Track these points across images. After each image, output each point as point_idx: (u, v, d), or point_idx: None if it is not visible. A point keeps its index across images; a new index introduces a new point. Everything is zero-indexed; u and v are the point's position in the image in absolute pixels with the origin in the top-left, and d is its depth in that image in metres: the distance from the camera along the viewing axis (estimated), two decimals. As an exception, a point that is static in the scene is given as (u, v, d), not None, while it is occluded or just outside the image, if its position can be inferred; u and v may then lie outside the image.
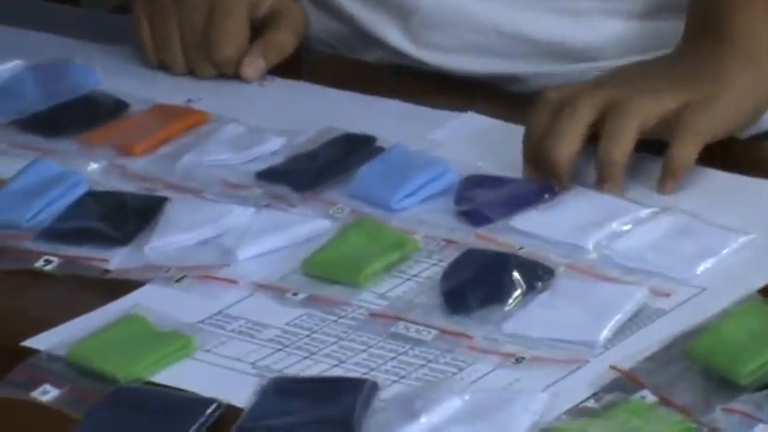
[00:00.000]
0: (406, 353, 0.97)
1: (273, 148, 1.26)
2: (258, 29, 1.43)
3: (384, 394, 0.90)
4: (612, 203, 1.15)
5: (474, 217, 1.13)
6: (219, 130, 1.30)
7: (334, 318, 1.02)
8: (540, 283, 1.02)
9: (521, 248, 1.10)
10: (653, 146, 1.41)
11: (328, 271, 1.08)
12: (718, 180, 1.21)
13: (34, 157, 1.28)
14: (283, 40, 1.44)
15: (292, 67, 1.42)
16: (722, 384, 0.90)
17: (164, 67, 1.44)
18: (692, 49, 1.33)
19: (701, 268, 1.02)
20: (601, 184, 1.22)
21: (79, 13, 1.70)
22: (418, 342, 0.98)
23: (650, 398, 0.90)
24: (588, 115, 1.23)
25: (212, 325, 1.01)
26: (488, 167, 1.24)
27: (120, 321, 1.01)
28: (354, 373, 0.94)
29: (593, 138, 1.23)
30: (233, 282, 1.08)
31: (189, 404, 0.91)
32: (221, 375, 0.95)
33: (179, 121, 1.34)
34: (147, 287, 1.07)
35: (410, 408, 0.88)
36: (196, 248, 1.12)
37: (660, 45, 1.39)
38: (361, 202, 1.15)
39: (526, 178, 1.23)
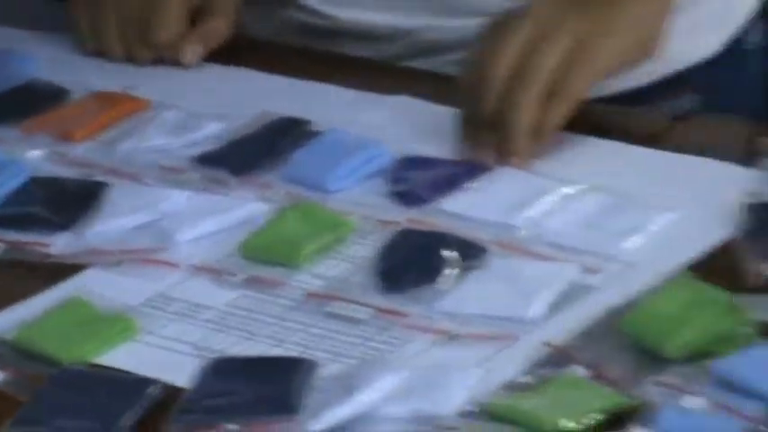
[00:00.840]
0: (343, 332, 0.97)
1: (211, 133, 1.25)
2: (193, 15, 1.41)
3: (322, 373, 0.90)
4: (541, 182, 1.14)
5: (407, 198, 1.13)
6: (158, 116, 1.30)
7: (272, 298, 1.01)
8: (472, 262, 1.01)
9: (452, 228, 1.09)
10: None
11: (266, 252, 1.07)
12: (645, 157, 1.21)
13: (-25, 145, 1.29)
14: (219, 26, 1.42)
15: (228, 52, 1.41)
16: (652, 358, 0.91)
17: (101, 53, 1.41)
18: None
19: (629, 244, 1.02)
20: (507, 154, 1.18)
21: (18, 2, 1.68)
22: (355, 321, 0.97)
23: (582, 372, 0.90)
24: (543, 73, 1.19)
25: (153, 307, 1.00)
26: (422, 149, 1.23)
27: (64, 305, 1.00)
28: (293, 352, 0.94)
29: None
30: (173, 265, 1.07)
31: (130, 384, 0.91)
32: (163, 356, 0.94)
33: (118, 108, 1.32)
34: (88, 271, 1.06)
35: (347, 386, 0.89)
36: (135, 232, 1.11)
37: None
38: (296, 185, 1.15)
39: (460, 157, 1.21)
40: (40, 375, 0.93)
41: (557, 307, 0.95)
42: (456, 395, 0.85)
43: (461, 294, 0.98)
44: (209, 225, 1.09)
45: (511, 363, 0.89)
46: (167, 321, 0.98)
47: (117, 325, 0.97)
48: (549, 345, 0.92)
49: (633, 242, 1.04)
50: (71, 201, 1.15)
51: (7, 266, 1.08)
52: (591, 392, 0.87)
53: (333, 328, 0.95)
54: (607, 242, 1.03)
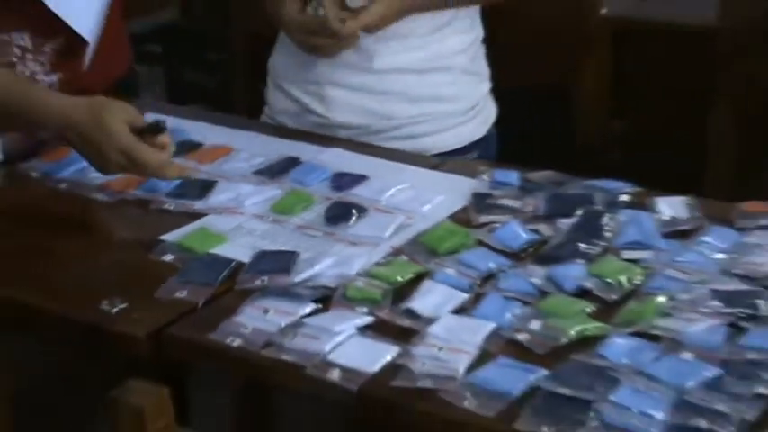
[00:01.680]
0: (308, 244, 1.53)
1: (257, 161, 1.80)
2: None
3: (301, 257, 1.44)
4: (389, 185, 1.66)
5: (337, 189, 1.69)
6: (237, 155, 1.81)
7: (283, 228, 1.55)
8: (362, 213, 1.57)
9: (355, 200, 1.62)
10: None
11: (282, 208, 1.61)
12: (431, 175, 1.74)
13: None
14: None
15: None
16: (432, 252, 1.47)
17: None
18: None
19: (425, 209, 1.59)
20: None
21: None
22: (315, 238, 1.53)
23: (404, 258, 1.45)
24: None
25: (235, 231, 1.54)
26: (348, 170, 1.76)
27: (198, 229, 1.54)
28: (289, 248, 1.48)
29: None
30: (242, 214, 1.60)
31: (225, 260, 1.43)
32: (237, 251, 1.47)
33: (223, 149, 1.82)
34: (207, 217, 1.59)
35: (309, 263, 1.43)
36: (227, 200, 1.63)
37: None
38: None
39: None
40: (191, 257, 1.46)
41: (395, 232, 1.53)
42: (356, 267, 1.42)
43: (360, 227, 1.55)
44: (256, 197, 1.64)
45: (377, 254, 1.46)
46: (240, 236, 1.54)
47: (218, 238, 1.53)
48: (392, 247, 1.50)
49: (427, 207, 1.60)
50: (202, 188, 1.68)
51: (175, 214, 1.62)
52: (404, 267, 1.43)
53: (306, 242, 1.51)
54: (415, 207, 1.60)
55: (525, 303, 1.36)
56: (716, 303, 1.30)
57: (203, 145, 1.85)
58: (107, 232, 1.57)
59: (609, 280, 1.38)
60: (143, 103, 2.02)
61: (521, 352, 1.25)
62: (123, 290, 1.40)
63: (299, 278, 1.39)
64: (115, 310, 1.36)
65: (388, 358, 1.25)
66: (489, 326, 1.30)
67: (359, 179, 1.70)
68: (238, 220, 1.59)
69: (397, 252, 1.48)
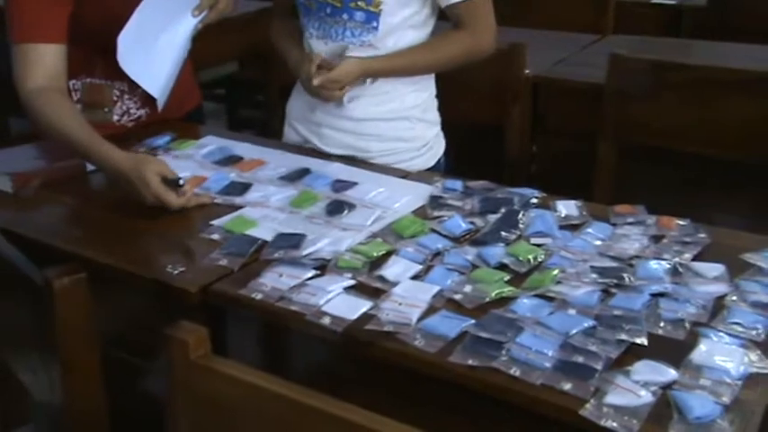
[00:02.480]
0: (312, 228, 1.49)
1: (281, 170, 1.73)
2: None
3: (307, 238, 1.42)
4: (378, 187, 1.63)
5: (335, 189, 1.63)
6: (269, 165, 1.77)
7: (298, 217, 1.52)
8: (350, 205, 1.55)
9: (347, 199, 1.57)
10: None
11: (296, 203, 1.56)
12: (400, 182, 1.69)
13: None
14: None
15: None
16: (399, 237, 1.43)
17: None
18: None
19: (397, 205, 1.56)
20: None
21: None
22: (316, 223, 1.52)
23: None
24: None
25: (263, 218, 1.51)
26: (345, 177, 1.67)
27: (236, 217, 1.50)
28: (300, 231, 1.45)
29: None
30: (268, 206, 1.57)
31: (252, 239, 1.40)
32: (263, 232, 1.43)
33: (259, 161, 1.75)
34: (243, 209, 1.55)
35: (313, 242, 1.41)
36: (258, 197, 1.60)
37: None
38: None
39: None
40: (231, 236, 1.43)
41: (374, 222, 1.49)
42: (345, 245, 1.39)
43: (350, 218, 1.50)
44: (279, 195, 1.60)
45: (360, 236, 1.43)
46: (267, 222, 1.50)
47: (251, 223, 1.49)
48: (371, 232, 1.45)
49: (397, 205, 1.58)
50: (242, 188, 1.64)
51: (222, 206, 1.58)
52: (379, 246, 1.39)
53: (311, 227, 1.47)
54: (389, 204, 1.57)
55: (461, 273, 1.34)
56: (593, 275, 1.30)
57: (243, 158, 1.82)
58: (173, 217, 1.52)
59: (520, 258, 1.37)
60: (208, 130, 2.01)
61: (456, 307, 1.24)
62: (182, 258, 1.40)
63: (305, 252, 1.37)
64: (176, 272, 1.34)
65: (364, 309, 1.23)
66: (435, 288, 1.29)
67: (351, 184, 1.67)
68: (266, 211, 1.57)
69: (374, 235, 1.46)
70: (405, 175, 1.77)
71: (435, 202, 1.59)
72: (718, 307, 1.20)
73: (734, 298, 1.22)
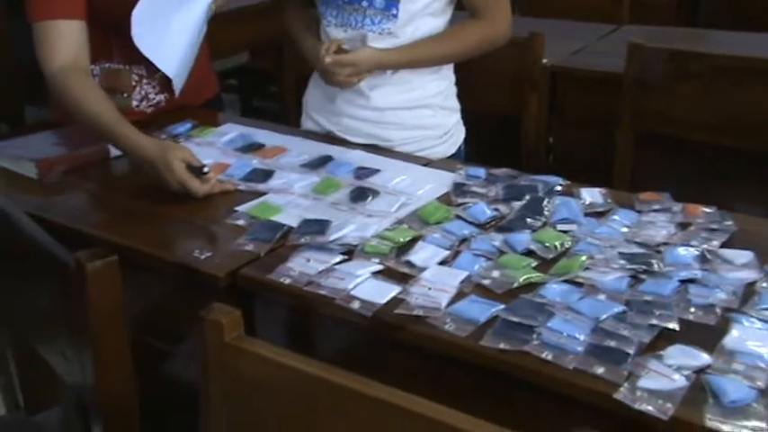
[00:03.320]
0: (337, 214, 1.48)
1: (301, 158, 1.71)
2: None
3: (332, 224, 1.42)
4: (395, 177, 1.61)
5: (358, 176, 1.61)
6: (290, 153, 1.73)
7: (321, 203, 1.51)
8: (373, 192, 1.54)
9: (371, 185, 1.56)
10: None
11: (318, 190, 1.56)
12: (421, 169, 1.67)
13: None
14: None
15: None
16: (427, 222, 1.42)
17: None
18: None
19: (420, 192, 1.55)
20: None
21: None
22: (341, 210, 1.49)
23: (405, 226, 1.41)
24: None
25: (288, 205, 1.49)
26: (367, 164, 1.66)
27: (261, 203, 1.48)
28: (325, 217, 1.43)
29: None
30: (293, 193, 1.55)
31: (278, 225, 1.39)
32: (288, 218, 1.42)
33: (280, 148, 1.74)
34: (267, 195, 1.54)
35: (338, 228, 1.40)
36: (280, 184, 1.60)
37: None
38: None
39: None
40: (256, 222, 1.42)
41: (399, 208, 1.48)
42: (371, 231, 1.39)
43: (374, 205, 1.49)
44: (302, 182, 1.60)
45: (386, 223, 1.42)
46: (291, 209, 1.49)
47: (276, 210, 1.48)
48: (397, 218, 1.45)
49: (421, 192, 1.57)
50: (264, 175, 1.63)
51: (246, 192, 1.57)
52: (405, 232, 1.38)
53: (336, 214, 1.46)
54: (413, 191, 1.56)
55: (488, 259, 1.33)
56: (622, 262, 1.29)
57: (265, 146, 1.80)
58: (200, 203, 1.52)
59: (547, 244, 1.36)
60: (228, 118, 2.00)
61: (485, 292, 1.23)
62: (209, 243, 1.39)
63: (331, 238, 1.36)
64: (203, 256, 1.34)
65: (393, 294, 1.23)
66: (463, 273, 1.28)
67: (374, 171, 1.66)
68: (289, 198, 1.56)
69: (399, 222, 1.46)
70: (427, 162, 1.76)
71: (459, 189, 1.57)
72: (748, 293, 1.19)
73: (764, 284, 1.20)
